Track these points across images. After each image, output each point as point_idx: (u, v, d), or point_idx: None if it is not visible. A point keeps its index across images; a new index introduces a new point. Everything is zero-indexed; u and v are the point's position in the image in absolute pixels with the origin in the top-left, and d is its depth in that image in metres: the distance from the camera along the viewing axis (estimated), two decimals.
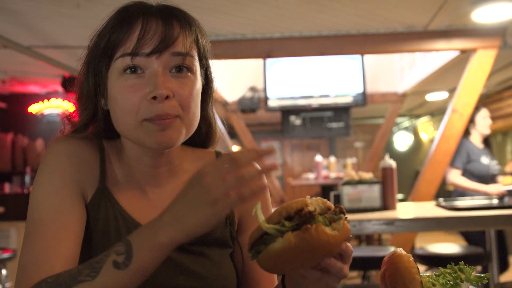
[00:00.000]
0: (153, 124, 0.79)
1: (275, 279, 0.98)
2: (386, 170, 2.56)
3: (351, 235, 0.70)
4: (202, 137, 0.99)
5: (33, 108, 6.57)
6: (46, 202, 0.81)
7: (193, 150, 1.00)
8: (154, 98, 0.78)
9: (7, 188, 5.66)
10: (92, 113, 0.88)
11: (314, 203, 0.68)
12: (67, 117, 0.92)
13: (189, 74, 0.83)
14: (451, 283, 0.75)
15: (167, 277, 0.87)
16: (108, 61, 0.82)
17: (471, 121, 3.78)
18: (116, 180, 0.90)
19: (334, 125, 5.48)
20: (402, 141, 10.78)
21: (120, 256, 0.67)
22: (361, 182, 2.50)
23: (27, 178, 5.87)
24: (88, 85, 0.86)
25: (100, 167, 0.89)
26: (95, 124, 0.90)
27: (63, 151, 0.86)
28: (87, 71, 0.86)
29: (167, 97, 0.79)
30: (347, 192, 2.48)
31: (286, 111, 5.50)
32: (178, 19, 0.83)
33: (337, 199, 2.47)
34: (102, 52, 0.83)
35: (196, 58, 0.85)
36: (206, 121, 0.97)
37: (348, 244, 0.70)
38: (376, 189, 2.49)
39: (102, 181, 0.88)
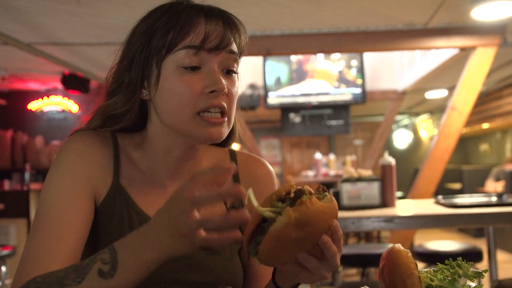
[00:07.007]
0: (204, 121, 0.83)
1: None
2: (386, 168, 2.56)
3: (345, 225, 0.70)
4: None
5: (33, 105, 6.57)
6: (53, 200, 0.82)
7: (210, 147, 1.01)
8: (212, 92, 0.82)
9: (6, 185, 5.66)
10: (134, 103, 0.88)
11: (299, 186, 0.69)
12: (103, 110, 0.91)
13: (234, 75, 0.89)
14: (449, 278, 0.75)
15: (178, 272, 0.88)
16: (165, 53, 0.84)
17: None
18: (131, 176, 0.91)
19: (333, 122, 5.48)
20: (401, 139, 10.78)
21: (105, 265, 0.67)
22: (360, 179, 2.50)
23: (27, 175, 5.87)
24: (130, 77, 0.87)
25: (114, 164, 0.90)
26: (128, 114, 0.90)
27: (77, 150, 0.87)
28: (131, 63, 0.87)
29: (223, 93, 0.83)
30: (346, 189, 2.48)
31: (286, 109, 5.50)
32: (234, 22, 0.88)
33: (337, 196, 2.48)
34: (158, 44, 0.84)
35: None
36: None
37: (337, 223, 0.70)
38: (375, 187, 2.49)
39: (116, 179, 0.89)
